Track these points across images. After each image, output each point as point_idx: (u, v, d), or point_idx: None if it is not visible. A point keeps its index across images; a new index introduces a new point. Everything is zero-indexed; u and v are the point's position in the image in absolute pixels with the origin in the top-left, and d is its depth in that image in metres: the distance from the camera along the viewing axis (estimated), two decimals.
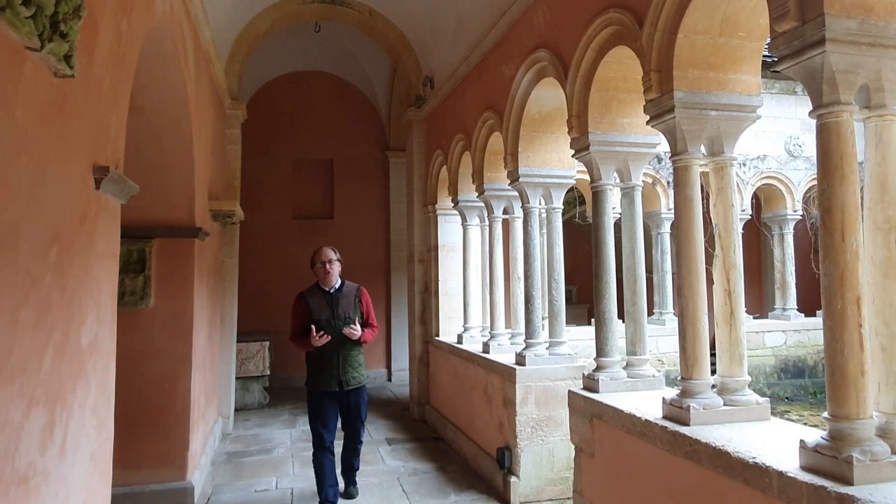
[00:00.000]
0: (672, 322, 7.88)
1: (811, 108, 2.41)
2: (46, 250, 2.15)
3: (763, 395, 5.14)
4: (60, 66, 2.07)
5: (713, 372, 3.19)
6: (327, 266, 4.78)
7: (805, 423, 6.82)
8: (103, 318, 2.82)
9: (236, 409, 8.06)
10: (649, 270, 7.63)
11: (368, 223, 11.27)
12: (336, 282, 4.87)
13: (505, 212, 6.31)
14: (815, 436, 2.37)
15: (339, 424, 5.00)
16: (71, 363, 2.40)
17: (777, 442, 2.66)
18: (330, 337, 4.63)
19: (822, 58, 2.29)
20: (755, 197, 9.66)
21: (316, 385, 4.78)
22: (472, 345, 6.70)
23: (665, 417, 3.17)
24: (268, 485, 5.60)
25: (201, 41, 5.70)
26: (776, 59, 2.51)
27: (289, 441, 7.09)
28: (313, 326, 4.59)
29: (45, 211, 2.13)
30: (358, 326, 4.79)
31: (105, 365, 2.87)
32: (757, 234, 10.81)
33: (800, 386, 9.33)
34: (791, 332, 9.34)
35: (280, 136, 10.97)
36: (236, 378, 8.11)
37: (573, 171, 5.39)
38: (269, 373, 9.07)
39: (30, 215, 2.00)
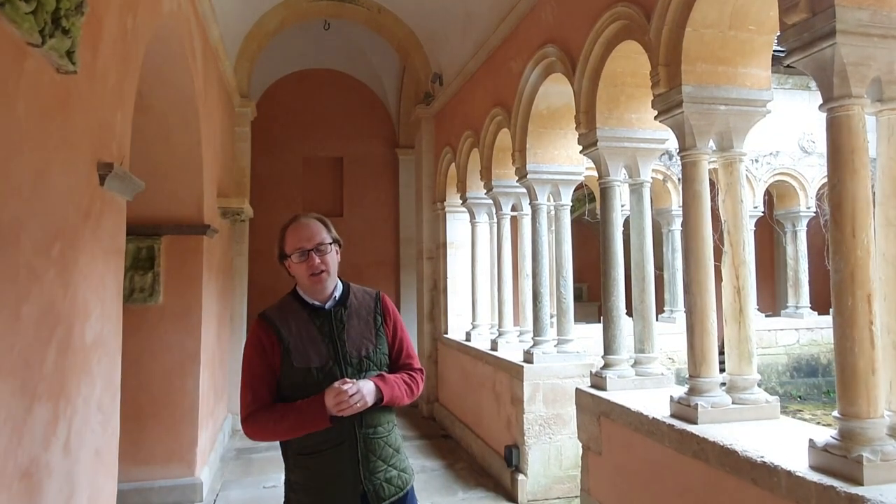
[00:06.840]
0: (683, 320, 7.82)
1: (822, 101, 2.37)
2: (49, 246, 2.15)
3: (775, 393, 5.08)
4: (62, 63, 2.07)
5: (722, 370, 3.15)
6: (314, 259, 2.17)
7: (818, 423, 6.75)
8: (108, 314, 2.83)
9: None
10: (660, 268, 7.57)
11: (378, 220, 11.27)
12: (334, 288, 2.26)
13: (513, 209, 6.27)
14: (824, 435, 2.32)
15: None
16: (75, 359, 2.41)
17: (786, 441, 2.62)
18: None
19: (833, 50, 2.24)
20: (768, 193, 9.55)
21: None
22: (481, 342, 6.68)
23: (673, 416, 3.14)
24: (276, 481, 5.60)
25: (210, 39, 5.71)
26: (786, 53, 2.46)
27: None
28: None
29: (48, 207, 2.13)
30: (373, 380, 2.12)
31: (110, 361, 2.88)
32: (770, 232, 10.69)
33: (813, 385, 9.23)
34: (804, 331, 9.25)
35: (290, 134, 10.98)
36: None
37: (582, 168, 5.36)
38: None
39: (32, 211, 2.00)
